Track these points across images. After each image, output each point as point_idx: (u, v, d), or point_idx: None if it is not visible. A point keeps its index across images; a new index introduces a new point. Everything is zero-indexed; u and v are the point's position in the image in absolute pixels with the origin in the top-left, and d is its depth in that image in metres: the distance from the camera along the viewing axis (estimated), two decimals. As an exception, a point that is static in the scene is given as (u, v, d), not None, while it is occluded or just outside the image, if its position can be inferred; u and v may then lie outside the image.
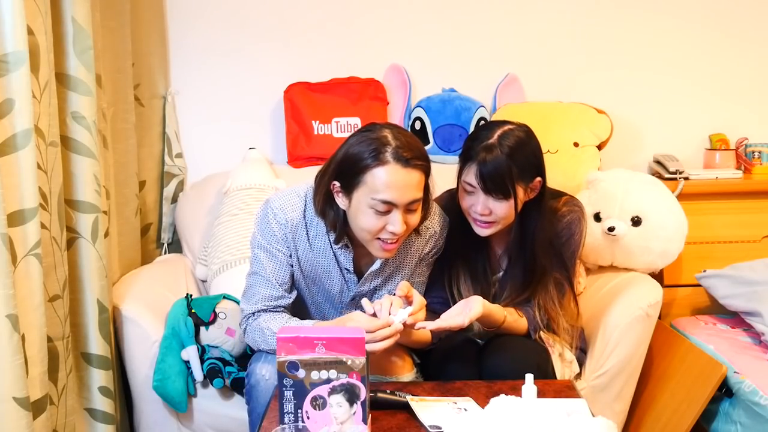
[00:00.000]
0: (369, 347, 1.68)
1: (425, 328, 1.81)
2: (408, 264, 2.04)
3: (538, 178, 2.02)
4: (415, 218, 1.87)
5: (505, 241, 2.11)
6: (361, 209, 1.82)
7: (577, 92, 2.96)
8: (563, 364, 2.09)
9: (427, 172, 1.86)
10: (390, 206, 1.81)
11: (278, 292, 1.97)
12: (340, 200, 1.87)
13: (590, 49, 3.03)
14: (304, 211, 1.96)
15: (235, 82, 2.99)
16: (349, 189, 1.84)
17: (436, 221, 2.05)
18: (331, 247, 1.97)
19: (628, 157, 3.01)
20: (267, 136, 3.03)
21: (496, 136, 1.96)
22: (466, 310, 1.87)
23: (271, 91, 2.97)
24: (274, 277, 1.96)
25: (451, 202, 2.12)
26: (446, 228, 2.07)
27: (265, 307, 1.96)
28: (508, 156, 1.93)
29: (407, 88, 2.96)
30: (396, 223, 1.81)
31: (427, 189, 1.91)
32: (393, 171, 1.78)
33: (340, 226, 1.90)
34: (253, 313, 1.97)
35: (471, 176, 1.97)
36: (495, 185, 1.94)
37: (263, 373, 1.89)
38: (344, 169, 1.83)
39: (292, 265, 1.98)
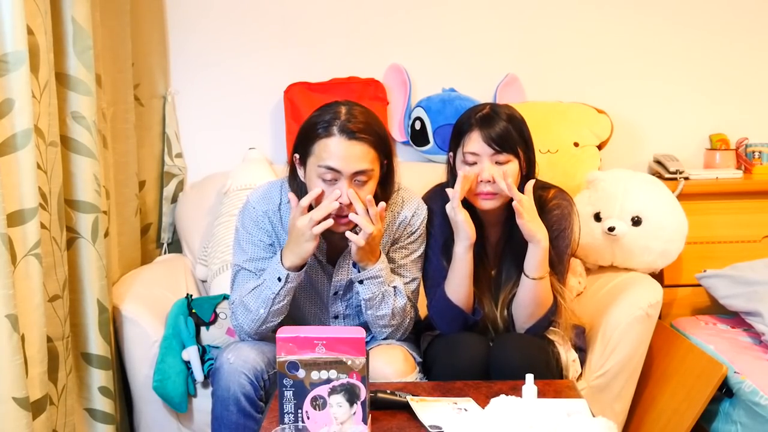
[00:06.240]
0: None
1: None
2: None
3: (530, 154, 2.04)
4: (365, 192, 1.91)
5: (499, 229, 2.11)
6: (312, 179, 1.92)
7: (577, 92, 2.96)
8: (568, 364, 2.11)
9: (377, 147, 1.92)
10: (335, 174, 1.88)
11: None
12: (300, 172, 1.97)
13: (590, 49, 3.03)
14: (279, 204, 2.03)
15: (235, 82, 2.99)
16: (303, 160, 1.95)
17: (407, 208, 2.07)
18: None
19: (628, 157, 3.00)
20: (267, 136, 3.03)
21: (488, 108, 2.03)
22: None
23: (271, 91, 2.96)
24: (254, 268, 2.02)
25: (442, 194, 2.08)
26: (419, 217, 2.08)
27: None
28: (507, 120, 2.00)
29: (407, 88, 2.96)
30: (342, 193, 1.88)
31: (388, 170, 1.99)
32: (337, 142, 1.88)
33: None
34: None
35: (474, 143, 1.99)
36: (502, 141, 1.97)
37: (228, 356, 1.93)
38: (300, 141, 1.95)
39: (274, 254, 2.01)
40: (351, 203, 1.89)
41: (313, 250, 1.91)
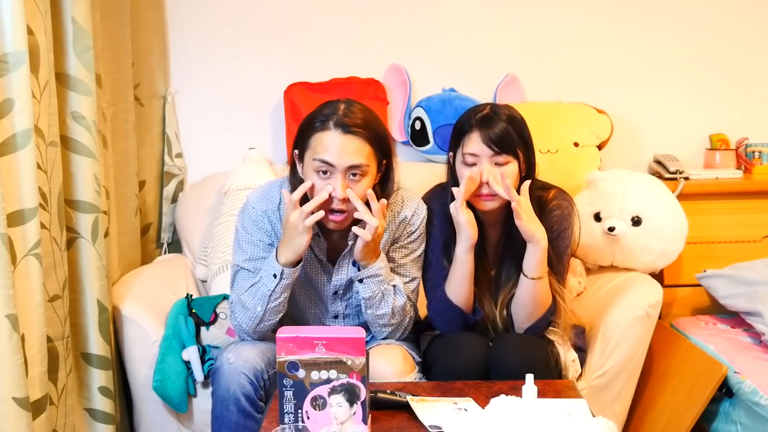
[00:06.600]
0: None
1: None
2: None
3: (529, 155, 2.03)
4: (360, 188, 1.91)
5: (499, 229, 2.11)
6: (309, 174, 1.93)
7: (577, 92, 2.96)
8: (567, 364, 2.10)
9: (373, 143, 1.93)
10: (330, 168, 1.88)
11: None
12: (299, 168, 1.98)
13: (590, 49, 3.03)
14: (279, 203, 2.03)
15: (235, 82, 2.99)
16: (301, 155, 1.96)
17: (407, 208, 2.08)
18: None
19: (628, 157, 3.01)
20: (267, 136, 3.03)
21: (488, 108, 2.03)
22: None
23: (271, 91, 2.96)
24: (253, 268, 2.02)
25: (442, 194, 2.10)
26: (419, 216, 2.08)
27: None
28: (507, 121, 2.00)
29: (407, 88, 2.96)
30: (336, 187, 1.87)
31: (387, 169, 2.00)
32: (332, 135, 1.89)
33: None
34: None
35: (473, 144, 1.98)
36: (502, 142, 1.97)
37: (228, 356, 1.93)
38: (299, 136, 1.97)
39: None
40: (345, 198, 1.89)
41: (307, 244, 1.91)
